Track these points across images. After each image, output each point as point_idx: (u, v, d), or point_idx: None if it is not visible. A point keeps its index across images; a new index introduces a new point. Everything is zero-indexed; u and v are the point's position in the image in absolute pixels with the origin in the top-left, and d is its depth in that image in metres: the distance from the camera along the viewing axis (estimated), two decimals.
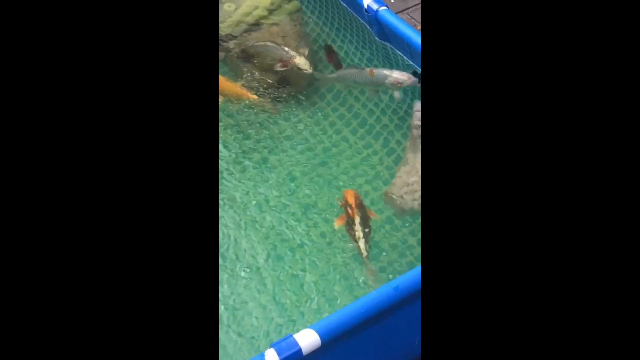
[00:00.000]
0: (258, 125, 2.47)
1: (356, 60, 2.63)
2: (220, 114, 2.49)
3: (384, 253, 2.06)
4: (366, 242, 2.02)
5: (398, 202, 2.10)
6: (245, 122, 2.48)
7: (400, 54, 2.37)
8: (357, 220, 2.05)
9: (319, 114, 2.52)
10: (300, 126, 2.47)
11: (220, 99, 2.49)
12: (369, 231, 2.05)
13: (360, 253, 2.01)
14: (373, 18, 2.33)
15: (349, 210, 2.08)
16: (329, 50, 2.68)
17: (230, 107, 2.53)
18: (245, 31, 2.64)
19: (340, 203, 2.15)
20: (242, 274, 2.02)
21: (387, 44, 2.40)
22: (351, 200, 2.11)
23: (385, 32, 2.36)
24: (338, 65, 2.61)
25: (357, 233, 2.03)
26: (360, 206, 2.10)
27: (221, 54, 2.69)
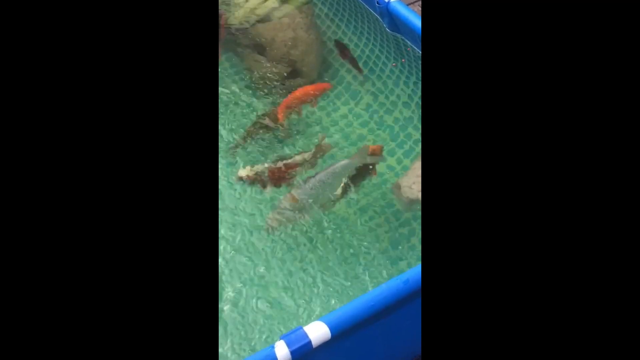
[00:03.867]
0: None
1: (367, 51, 2.63)
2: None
3: (393, 245, 2.07)
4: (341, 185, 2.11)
5: (405, 192, 2.10)
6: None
7: (411, 45, 2.35)
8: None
9: (329, 107, 2.52)
10: (310, 119, 2.47)
11: None
12: (354, 181, 2.15)
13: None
14: (384, 9, 2.32)
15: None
16: (341, 47, 2.67)
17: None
18: (257, 23, 2.63)
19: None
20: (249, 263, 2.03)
21: (398, 35, 2.39)
22: (369, 149, 2.22)
23: (396, 23, 2.34)
24: (353, 61, 2.60)
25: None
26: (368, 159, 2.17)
27: (232, 46, 2.69)
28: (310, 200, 2.05)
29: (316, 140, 2.37)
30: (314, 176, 2.11)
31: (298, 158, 2.24)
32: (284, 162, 2.23)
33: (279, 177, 2.19)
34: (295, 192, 2.07)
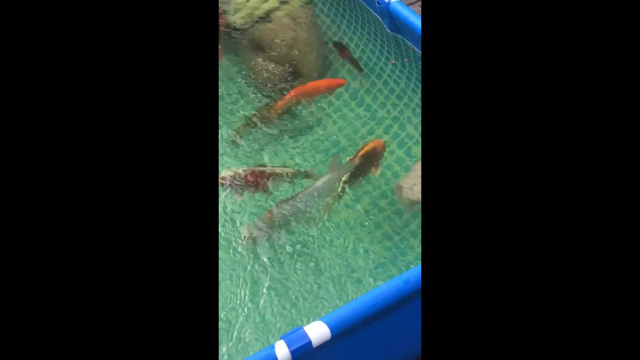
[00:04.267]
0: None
1: (367, 51, 2.63)
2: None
3: (394, 245, 2.06)
4: (342, 182, 2.14)
5: (406, 193, 2.10)
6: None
7: (412, 45, 2.35)
8: (355, 162, 2.18)
9: (329, 107, 2.52)
10: (310, 119, 2.48)
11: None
12: (355, 177, 2.17)
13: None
14: (384, 10, 2.32)
15: (358, 152, 2.22)
16: (340, 47, 2.67)
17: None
18: (257, 23, 2.63)
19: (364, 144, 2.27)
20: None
21: (398, 35, 2.39)
22: (368, 145, 2.23)
23: (396, 23, 2.34)
24: (352, 60, 2.60)
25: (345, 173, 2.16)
26: (368, 156, 2.18)
27: (233, 46, 2.69)
28: (290, 219, 2.03)
29: (310, 141, 2.38)
30: (293, 197, 2.08)
31: (278, 171, 2.23)
32: (263, 169, 2.22)
33: (255, 182, 2.17)
34: (273, 211, 2.05)
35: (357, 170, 2.18)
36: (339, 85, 2.48)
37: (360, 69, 2.58)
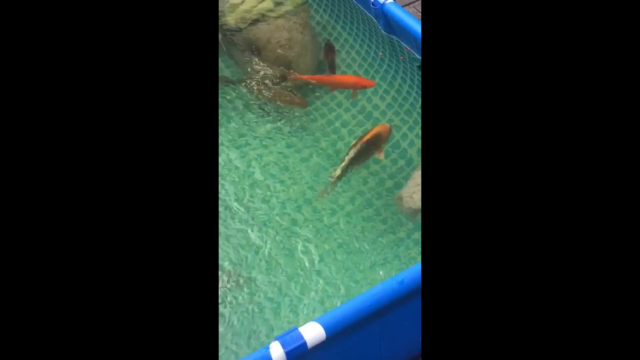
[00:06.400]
0: (259, 120, 2.48)
1: (362, 52, 2.63)
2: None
3: (390, 247, 2.07)
4: (343, 164, 2.15)
5: (407, 203, 2.10)
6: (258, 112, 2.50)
7: (407, 47, 2.36)
8: (358, 146, 2.17)
9: (324, 108, 2.52)
10: (305, 121, 2.48)
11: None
12: (358, 160, 2.17)
13: (333, 174, 2.16)
14: (379, 11, 2.33)
15: (363, 136, 2.21)
16: (328, 48, 2.68)
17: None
18: (252, 24, 2.63)
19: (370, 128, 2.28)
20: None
21: (393, 37, 2.39)
22: (373, 130, 2.23)
23: (391, 25, 2.35)
24: (331, 66, 2.61)
25: (346, 156, 2.16)
26: (372, 140, 2.19)
27: (227, 47, 2.69)
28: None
29: (306, 141, 2.38)
30: None
31: None
32: None
33: None
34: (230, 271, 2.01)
35: (361, 153, 2.18)
36: (365, 87, 2.47)
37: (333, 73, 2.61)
